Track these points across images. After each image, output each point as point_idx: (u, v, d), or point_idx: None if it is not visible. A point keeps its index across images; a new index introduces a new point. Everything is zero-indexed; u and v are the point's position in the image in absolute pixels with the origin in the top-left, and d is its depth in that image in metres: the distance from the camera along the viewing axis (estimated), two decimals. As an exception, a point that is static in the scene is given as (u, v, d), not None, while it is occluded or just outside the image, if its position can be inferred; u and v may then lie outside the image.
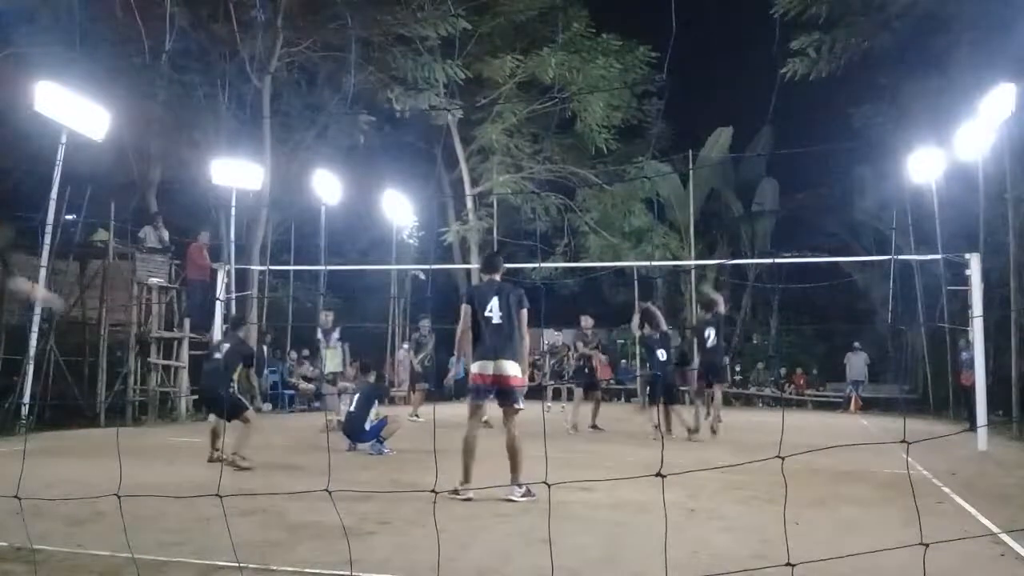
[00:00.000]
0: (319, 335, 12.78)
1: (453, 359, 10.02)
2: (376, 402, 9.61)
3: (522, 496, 5.87)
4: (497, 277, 6.44)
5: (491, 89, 22.21)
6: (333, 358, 12.56)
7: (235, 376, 7.96)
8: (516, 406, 6.09)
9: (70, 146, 11.42)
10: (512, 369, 6.06)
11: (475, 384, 6.13)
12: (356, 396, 9.44)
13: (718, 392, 11.42)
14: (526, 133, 23.58)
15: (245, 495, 5.61)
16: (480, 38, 21.33)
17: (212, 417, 8.09)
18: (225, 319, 14.76)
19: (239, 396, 7.91)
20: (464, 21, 19.54)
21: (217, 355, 7.96)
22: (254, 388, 9.48)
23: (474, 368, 6.15)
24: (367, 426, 9.05)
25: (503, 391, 6.08)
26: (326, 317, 12.87)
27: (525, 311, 6.20)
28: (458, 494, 5.87)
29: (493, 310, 6.11)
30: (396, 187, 20.30)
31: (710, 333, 11.32)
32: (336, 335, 12.56)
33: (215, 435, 7.81)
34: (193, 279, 14.00)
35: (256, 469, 7.35)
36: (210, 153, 15.41)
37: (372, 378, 9.95)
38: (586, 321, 13.12)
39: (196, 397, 12.86)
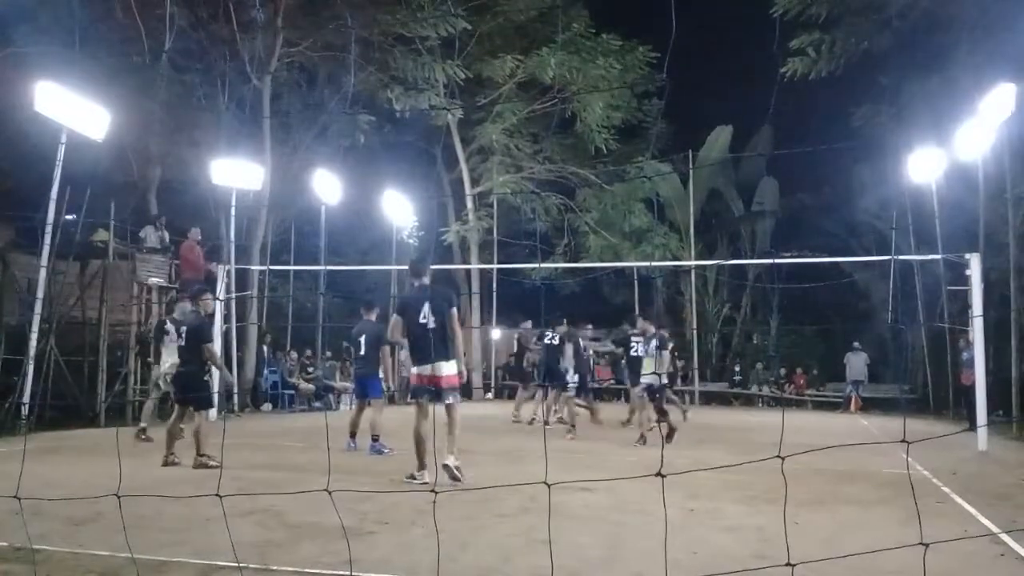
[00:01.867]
0: (168, 325, 10.42)
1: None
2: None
3: (455, 464, 6.23)
4: (426, 280, 6.86)
5: (491, 89, 22.21)
6: (171, 356, 10.26)
7: (206, 360, 7.75)
8: (450, 402, 6.57)
9: (70, 146, 11.41)
10: (447, 369, 6.56)
11: (415, 385, 6.63)
12: (363, 338, 9.24)
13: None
14: (526, 133, 23.57)
15: (245, 495, 5.62)
16: (480, 38, 21.32)
17: (172, 417, 7.91)
18: (225, 319, 14.80)
19: (209, 388, 7.86)
20: (464, 21, 19.55)
21: (180, 343, 7.87)
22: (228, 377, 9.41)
23: (414, 371, 6.65)
24: (380, 373, 9.16)
25: (439, 390, 6.53)
26: (185, 308, 10.63)
27: (455, 310, 6.71)
28: (414, 479, 6.32)
29: (427, 316, 6.56)
30: (396, 187, 20.30)
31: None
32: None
33: (172, 437, 7.71)
34: (187, 279, 13.96)
35: (258, 469, 7.35)
36: (210, 153, 15.40)
37: (375, 316, 9.74)
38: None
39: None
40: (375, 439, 8.82)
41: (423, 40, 19.59)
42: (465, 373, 6.93)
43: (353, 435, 9.10)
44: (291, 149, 18.81)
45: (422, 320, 6.53)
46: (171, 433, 7.72)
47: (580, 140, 23.16)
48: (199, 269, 13.80)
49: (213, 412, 9.26)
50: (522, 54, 21.64)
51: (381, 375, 9.26)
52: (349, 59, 17.99)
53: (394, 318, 6.85)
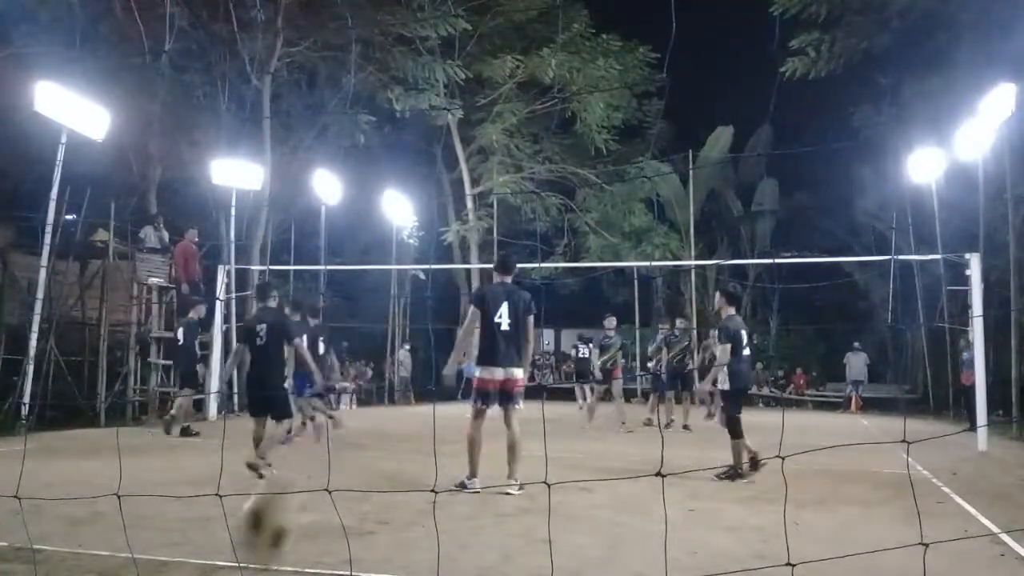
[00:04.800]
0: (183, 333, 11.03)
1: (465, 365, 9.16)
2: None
3: (518, 491, 6.06)
4: (509, 280, 6.49)
5: (491, 89, 22.21)
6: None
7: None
8: (517, 407, 6.29)
9: (70, 146, 11.41)
10: (518, 374, 6.27)
11: (483, 388, 6.23)
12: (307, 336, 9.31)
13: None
14: (526, 133, 23.58)
15: (245, 495, 5.61)
16: (480, 38, 21.33)
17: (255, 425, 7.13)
18: (225, 319, 14.79)
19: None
20: (464, 21, 19.55)
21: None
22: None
23: (483, 372, 6.24)
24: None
25: (506, 393, 6.25)
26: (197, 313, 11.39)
27: (532, 317, 6.34)
28: (465, 487, 6.05)
29: (503, 316, 6.21)
30: (396, 187, 20.30)
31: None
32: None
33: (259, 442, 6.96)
34: (179, 279, 13.93)
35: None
36: (210, 153, 15.40)
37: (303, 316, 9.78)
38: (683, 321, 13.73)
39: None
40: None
41: (423, 40, 19.60)
42: (524, 382, 6.46)
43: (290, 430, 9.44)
44: (291, 149, 18.80)
45: (497, 319, 6.19)
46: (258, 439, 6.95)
47: (580, 140, 23.17)
48: (192, 272, 13.74)
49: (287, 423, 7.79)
50: (522, 54, 21.65)
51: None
52: (349, 59, 17.98)
53: (471, 310, 6.39)
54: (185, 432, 10.34)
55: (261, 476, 6.48)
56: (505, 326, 6.19)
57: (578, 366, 14.81)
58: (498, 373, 6.19)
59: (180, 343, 10.91)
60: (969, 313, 11.93)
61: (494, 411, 6.34)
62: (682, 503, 5.92)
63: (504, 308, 6.20)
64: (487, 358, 6.22)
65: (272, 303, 7.26)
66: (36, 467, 6.93)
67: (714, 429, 9.04)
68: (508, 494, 6.01)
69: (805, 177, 25.31)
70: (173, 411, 10.66)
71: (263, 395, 6.91)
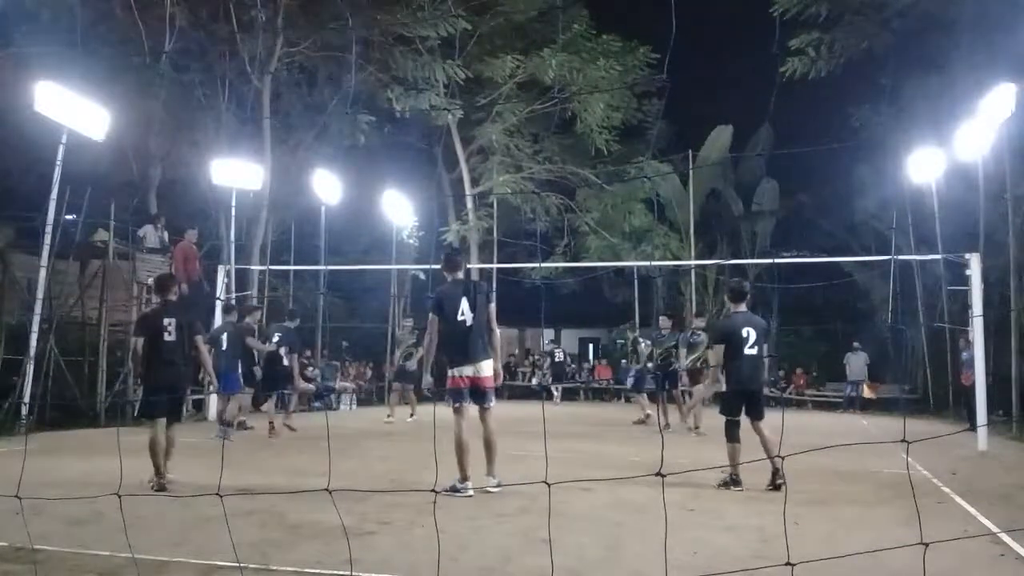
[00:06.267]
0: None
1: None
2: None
3: (496, 487, 6.10)
4: (460, 275, 6.54)
5: (491, 89, 22.21)
6: None
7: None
8: (488, 405, 6.30)
9: (70, 146, 11.41)
10: (487, 370, 6.27)
11: (455, 387, 6.26)
12: (224, 336, 10.26)
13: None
14: (526, 133, 23.58)
15: (245, 495, 5.62)
16: (480, 38, 21.33)
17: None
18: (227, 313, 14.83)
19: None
20: (464, 21, 19.55)
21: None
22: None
23: (453, 372, 6.27)
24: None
25: (477, 391, 6.26)
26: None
27: (493, 305, 6.39)
28: (457, 491, 6.00)
29: (464, 313, 6.22)
30: (396, 187, 20.30)
31: None
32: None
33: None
34: (178, 280, 13.89)
35: (258, 469, 7.34)
36: (210, 153, 15.40)
37: (235, 317, 10.65)
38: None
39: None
40: (228, 424, 9.84)
41: (423, 40, 19.60)
42: (501, 374, 6.58)
43: (231, 424, 10.09)
44: (291, 149, 18.81)
45: (460, 317, 6.18)
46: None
47: (580, 140, 23.16)
48: (192, 272, 13.72)
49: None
50: (522, 54, 21.65)
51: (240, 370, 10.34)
52: (349, 59, 17.99)
53: (431, 317, 6.34)
54: (241, 426, 11.26)
55: (163, 487, 6.12)
56: (469, 322, 6.21)
57: (554, 369, 14.85)
58: (467, 370, 6.21)
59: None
60: (969, 313, 11.93)
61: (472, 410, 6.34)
62: (682, 503, 5.92)
63: (464, 305, 6.22)
64: (455, 358, 6.24)
65: (172, 297, 6.71)
66: (36, 467, 6.92)
67: (713, 429, 9.06)
68: (488, 491, 6.05)
69: (805, 177, 25.28)
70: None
71: (171, 396, 6.42)
